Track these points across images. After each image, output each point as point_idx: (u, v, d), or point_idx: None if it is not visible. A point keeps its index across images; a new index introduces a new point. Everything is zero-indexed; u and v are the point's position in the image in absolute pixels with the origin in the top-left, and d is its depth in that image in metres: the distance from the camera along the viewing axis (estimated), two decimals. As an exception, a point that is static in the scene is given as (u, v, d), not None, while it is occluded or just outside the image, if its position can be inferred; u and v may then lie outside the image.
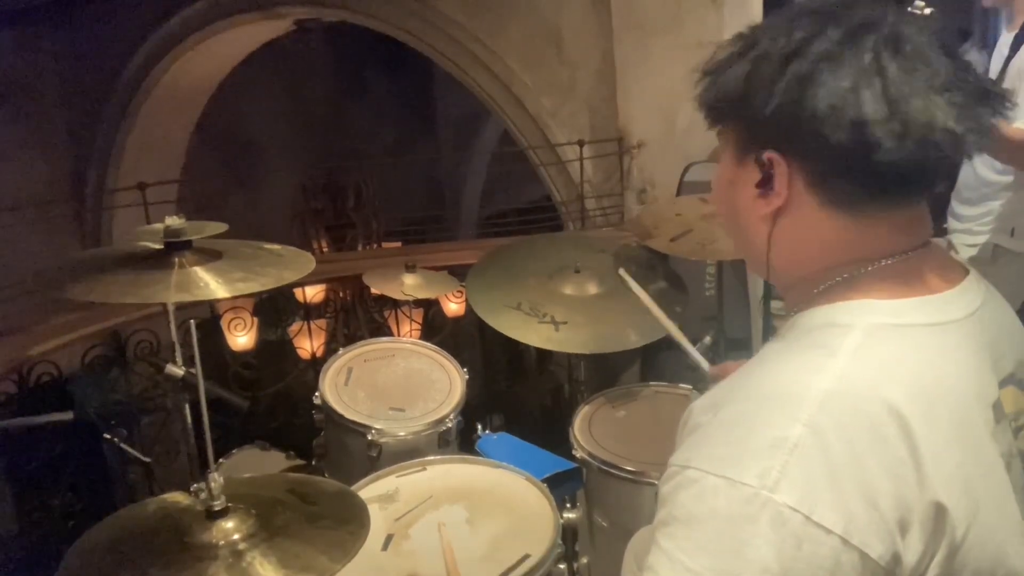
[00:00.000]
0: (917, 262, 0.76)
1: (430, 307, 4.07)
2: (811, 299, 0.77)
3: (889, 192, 0.73)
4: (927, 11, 1.95)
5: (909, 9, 1.96)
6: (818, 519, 0.62)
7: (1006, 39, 2.37)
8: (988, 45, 2.57)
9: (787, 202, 0.75)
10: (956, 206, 2.56)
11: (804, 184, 0.74)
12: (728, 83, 0.77)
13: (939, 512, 0.65)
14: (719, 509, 0.64)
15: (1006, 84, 2.26)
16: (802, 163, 0.74)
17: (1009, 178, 2.38)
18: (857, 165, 0.70)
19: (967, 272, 0.80)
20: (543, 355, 4.26)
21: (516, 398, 4.43)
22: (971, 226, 2.50)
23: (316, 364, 3.80)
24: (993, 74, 2.37)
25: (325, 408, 2.06)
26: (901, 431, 0.65)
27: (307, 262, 1.47)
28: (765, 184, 0.76)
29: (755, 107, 0.74)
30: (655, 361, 3.20)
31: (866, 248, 0.75)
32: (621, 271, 1.84)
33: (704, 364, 1.50)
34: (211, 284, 1.31)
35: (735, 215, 0.82)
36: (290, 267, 1.43)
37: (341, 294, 4.11)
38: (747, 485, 0.63)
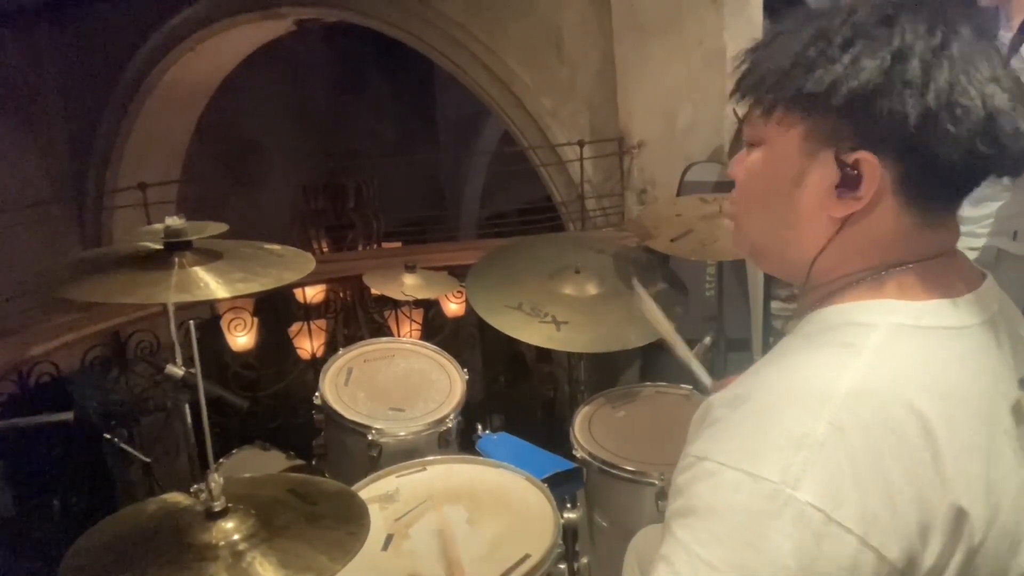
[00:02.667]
0: (942, 266, 0.75)
1: (430, 307, 4.07)
2: (830, 296, 0.76)
3: (966, 187, 0.73)
4: None
5: None
6: (839, 518, 0.62)
7: (1004, 38, 2.37)
8: None
9: (867, 205, 0.72)
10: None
11: (894, 185, 0.71)
12: (857, 75, 0.68)
13: (959, 515, 0.65)
14: (739, 503, 0.64)
15: None
16: (902, 164, 0.70)
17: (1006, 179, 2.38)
18: (962, 160, 0.68)
19: (984, 277, 0.80)
20: (542, 355, 4.26)
21: (516, 398, 4.43)
22: (973, 228, 2.50)
23: (316, 364, 3.80)
24: None
25: (325, 408, 2.06)
26: (923, 433, 0.65)
27: (307, 262, 1.47)
28: (849, 186, 0.71)
29: (880, 107, 0.68)
30: (655, 361, 3.20)
31: (912, 250, 0.74)
32: (635, 283, 1.83)
33: (706, 379, 1.50)
34: (211, 284, 1.31)
35: (787, 213, 0.76)
36: (290, 267, 1.43)
37: (341, 294, 4.11)
38: (768, 480, 0.63)
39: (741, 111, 0.79)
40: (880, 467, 0.64)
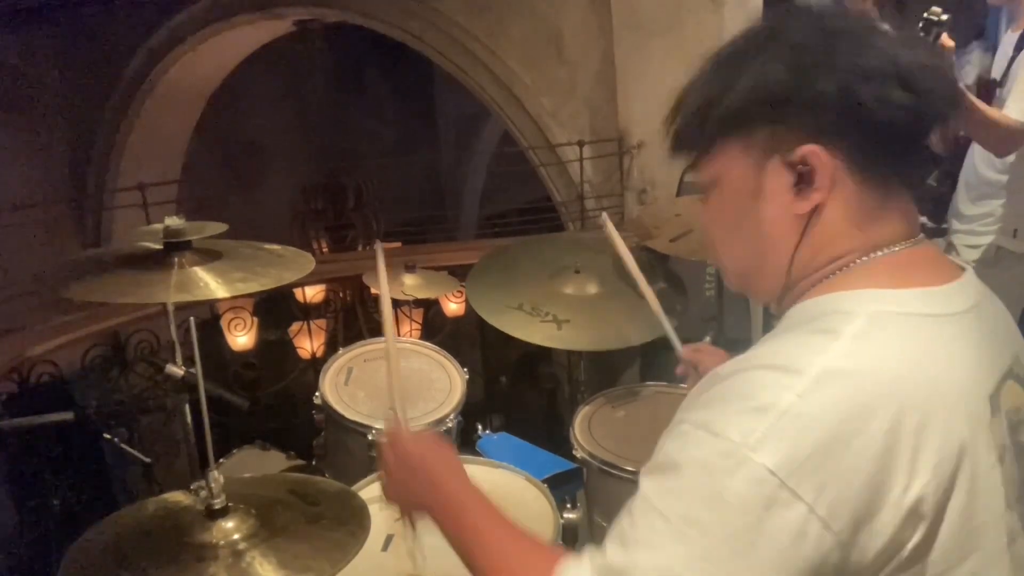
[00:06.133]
0: (916, 253, 0.78)
1: (430, 307, 4.07)
2: (809, 290, 0.78)
3: (907, 146, 0.76)
4: (944, 16, 1.96)
5: (925, 15, 1.97)
6: (792, 485, 0.64)
7: (1010, 39, 2.37)
8: (996, 46, 2.57)
9: (827, 192, 0.75)
10: (959, 204, 2.56)
11: (844, 165, 0.74)
12: (767, 82, 0.74)
13: (921, 499, 0.66)
14: (698, 459, 0.67)
15: (1010, 83, 2.26)
16: (842, 141, 0.74)
17: (1005, 177, 2.38)
18: (889, 114, 0.72)
19: (963, 270, 0.81)
20: (542, 356, 4.26)
21: (516, 398, 4.43)
22: (973, 226, 2.50)
23: (316, 364, 3.81)
24: (997, 73, 2.37)
25: (325, 408, 2.06)
26: (894, 415, 0.67)
27: (307, 262, 1.46)
28: (805, 182, 0.75)
29: (799, 99, 0.73)
30: (655, 361, 3.20)
31: (880, 234, 0.77)
32: (604, 216, 1.82)
33: (678, 345, 1.51)
34: (211, 284, 1.31)
35: (757, 227, 0.79)
36: (290, 267, 1.43)
37: (341, 294, 4.11)
38: (728, 439, 0.66)
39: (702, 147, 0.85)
40: (843, 444, 0.65)
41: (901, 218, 0.78)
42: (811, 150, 0.74)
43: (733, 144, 0.78)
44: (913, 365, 0.70)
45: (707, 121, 0.79)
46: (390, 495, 1.10)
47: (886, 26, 0.76)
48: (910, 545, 0.67)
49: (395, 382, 1.19)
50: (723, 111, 0.77)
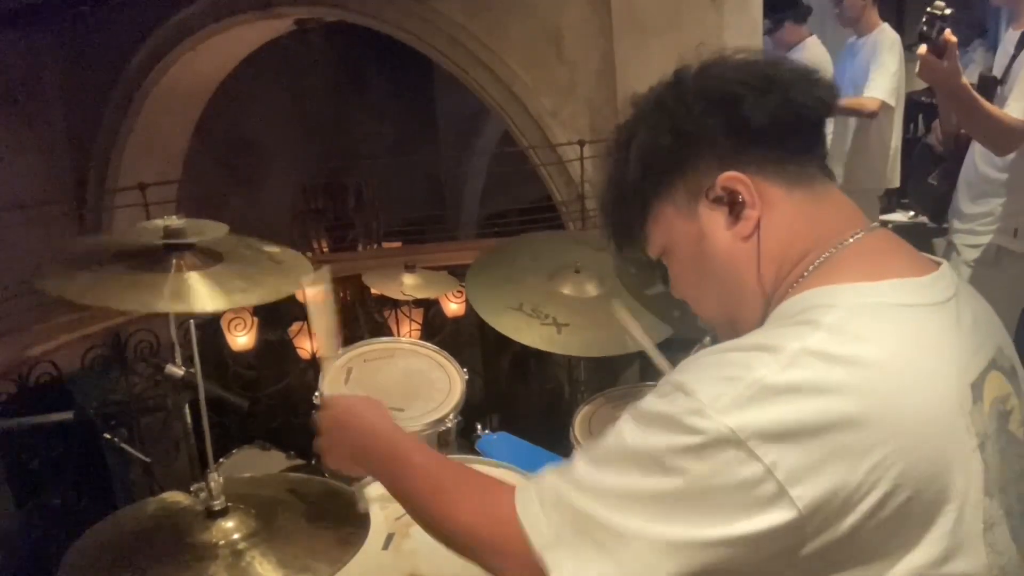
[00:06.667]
0: (879, 241, 0.81)
1: (430, 307, 4.07)
2: (790, 291, 0.81)
3: (804, 135, 0.83)
4: (947, 11, 1.96)
5: (929, 9, 1.97)
6: (752, 446, 0.67)
7: (1011, 37, 2.37)
8: (998, 45, 2.57)
9: (761, 207, 0.81)
10: (960, 203, 2.56)
11: (763, 176, 0.80)
12: (655, 146, 0.83)
13: (897, 484, 0.68)
14: (669, 413, 0.72)
15: (1011, 81, 2.26)
16: (751, 158, 0.80)
17: (1005, 175, 2.38)
18: (783, 121, 0.80)
19: (938, 264, 0.84)
20: (542, 356, 4.26)
21: (516, 398, 4.43)
22: (973, 226, 2.49)
23: (316, 364, 3.80)
24: (998, 71, 2.37)
25: (325, 408, 2.06)
26: (870, 400, 0.68)
27: (305, 271, 1.46)
28: (735, 208, 0.81)
29: (691, 142, 0.81)
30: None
31: (828, 221, 0.82)
32: (614, 303, 1.85)
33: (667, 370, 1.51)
34: (208, 296, 1.29)
35: (717, 266, 0.84)
36: (289, 276, 1.43)
37: (341, 294, 4.11)
38: (698, 400, 0.70)
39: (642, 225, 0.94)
40: (808, 423, 0.67)
41: (840, 205, 0.84)
42: (727, 176, 0.80)
43: (660, 211, 0.86)
44: (889, 353, 0.71)
45: (627, 206, 0.88)
46: (327, 458, 1.11)
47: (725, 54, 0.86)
48: (873, 522, 0.68)
49: (326, 341, 1.21)
50: (633, 189, 0.86)
